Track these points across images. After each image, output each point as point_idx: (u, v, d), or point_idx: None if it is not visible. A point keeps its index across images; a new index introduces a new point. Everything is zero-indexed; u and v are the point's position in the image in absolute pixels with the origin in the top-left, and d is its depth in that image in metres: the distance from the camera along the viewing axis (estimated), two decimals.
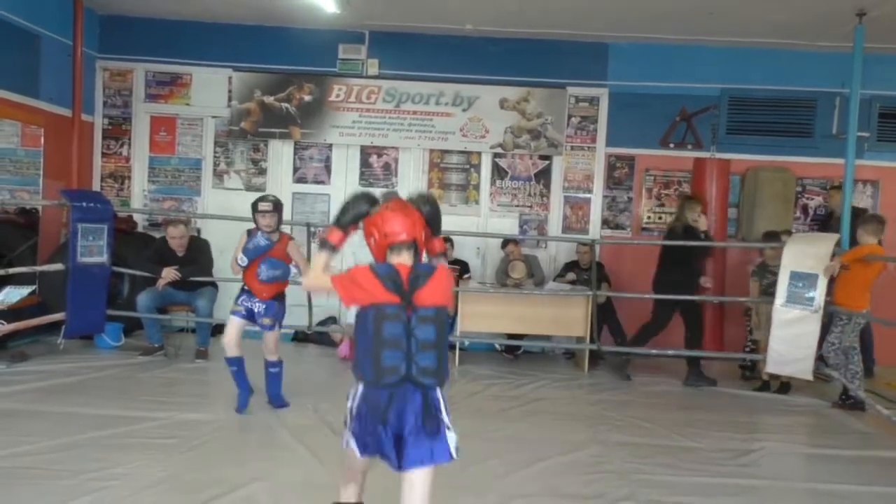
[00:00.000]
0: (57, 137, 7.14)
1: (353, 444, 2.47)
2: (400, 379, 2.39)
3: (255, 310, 4.90)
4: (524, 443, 4.56)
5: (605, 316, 7.20)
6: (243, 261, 4.85)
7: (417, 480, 2.39)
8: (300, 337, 7.54)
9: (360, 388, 2.47)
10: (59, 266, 5.99)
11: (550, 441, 4.58)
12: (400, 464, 2.38)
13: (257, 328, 4.99)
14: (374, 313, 2.42)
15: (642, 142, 7.96)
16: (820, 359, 5.92)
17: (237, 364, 4.88)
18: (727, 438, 4.83)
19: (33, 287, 6.02)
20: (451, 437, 2.50)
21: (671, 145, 7.95)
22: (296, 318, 7.36)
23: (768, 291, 6.36)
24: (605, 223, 8.07)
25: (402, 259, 2.52)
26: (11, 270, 5.76)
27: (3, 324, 5.67)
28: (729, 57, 7.75)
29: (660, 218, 8.04)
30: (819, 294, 5.74)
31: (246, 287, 4.94)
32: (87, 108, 7.71)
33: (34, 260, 6.49)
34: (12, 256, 6.37)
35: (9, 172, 7.02)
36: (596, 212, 8.06)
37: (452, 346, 7.05)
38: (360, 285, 2.46)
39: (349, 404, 2.51)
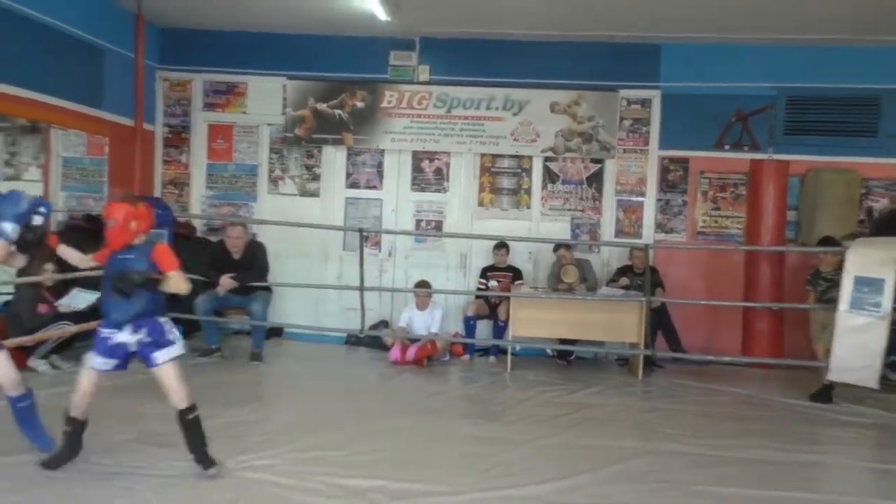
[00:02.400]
0: (120, 146, 7.40)
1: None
2: None
3: None
4: (576, 450, 4.51)
5: (659, 322, 7.07)
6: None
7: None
8: (352, 340, 7.64)
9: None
10: None
11: (603, 449, 4.52)
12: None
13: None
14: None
15: (696, 144, 7.80)
16: (890, 366, 5.71)
17: None
18: (788, 450, 4.69)
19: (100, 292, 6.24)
20: None
21: (726, 147, 7.77)
22: (348, 321, 7.50)
23: (823, 299, 6.17)
24: (659, 227, 7.93)
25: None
26: (79, 274, 5.98)
27: (69, 325, 5.92)
28: (786, 55, 7.54)
29: (715, 222, 7.87)
30: (886, 299, 5.52)
31: None
32: (149, 118, 7.97)
33: None
34: None
35: (75, 180, 7.31)
36: (649, 215, 7.93)
37: (504, 351, 7.05)
38: (174, 258, 3.70)
39: (170, 325, 3.76)
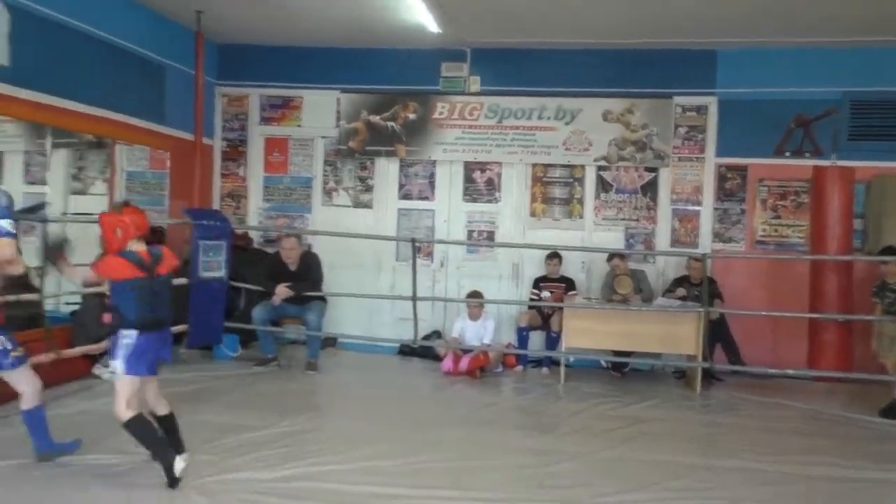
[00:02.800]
0: (181, 160, 7.63)
1: (130, 373, 3.63)
2: (154, 322, 3.69)
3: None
4: (632, 464, 4.42)
5: (717, 334, 6.89)
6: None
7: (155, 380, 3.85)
8: (406, 350, 7.67)
9: (133, 333, 3.62)
10: (182, 280, 6.36)
11: (660, 464, 4.42)
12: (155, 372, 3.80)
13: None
14: (131, 285, 3.63)
15: (755, 151, 7.60)
16: None
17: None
18: (856, 468, 4.50)
19: None
20: None
21: (787, 154, 7.54)
22: (401, 331, 7.53)
23: (892, 311, 5.91)
24: (717, 236, 7.75)
25: (140, 247, 3.72)
26: None
27: None
28: (850, 58, 7.29)
29: (776, 230, 7.64)
30: None
31: None
32: (208, 132, 8.19)
33: None
34: None
35: (138, 193, 7.55)
36: (706, 224, 7.76)
37: (557, 363, 6.97)
38: (117, 270, 3.64)
39: (125, 341, 3.62)
